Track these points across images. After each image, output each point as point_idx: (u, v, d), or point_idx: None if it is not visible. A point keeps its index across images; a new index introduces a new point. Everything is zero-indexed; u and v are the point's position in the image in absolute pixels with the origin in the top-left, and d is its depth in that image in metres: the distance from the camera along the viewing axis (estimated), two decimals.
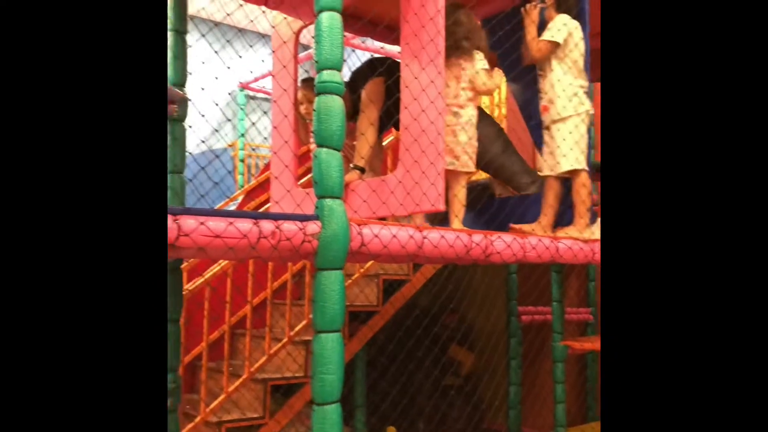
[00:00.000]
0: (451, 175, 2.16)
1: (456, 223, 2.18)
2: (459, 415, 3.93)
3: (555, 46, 2.31)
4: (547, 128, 2.38)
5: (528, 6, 2.40)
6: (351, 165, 2.36)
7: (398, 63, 2.32)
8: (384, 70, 2.41)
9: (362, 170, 2.30)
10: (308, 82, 2.50)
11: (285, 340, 3.20)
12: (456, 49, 2.19)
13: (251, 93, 6.97)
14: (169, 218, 1.32)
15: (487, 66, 2.23)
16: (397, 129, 2.35)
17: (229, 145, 6.75)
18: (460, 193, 2.19)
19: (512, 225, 2.37)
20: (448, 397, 3.89)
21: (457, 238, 1.84)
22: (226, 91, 6.81)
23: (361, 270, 3.46)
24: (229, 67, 1.76)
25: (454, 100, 2.16)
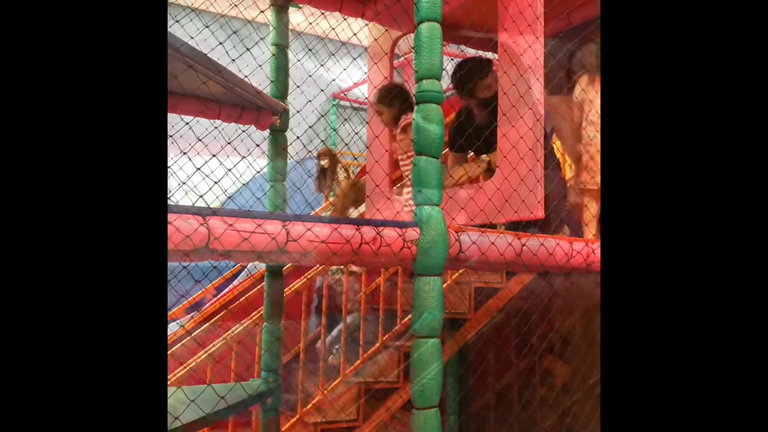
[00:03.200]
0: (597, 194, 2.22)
1: None
2: (554, 427, 3.83)
3: None
4: None
5: None
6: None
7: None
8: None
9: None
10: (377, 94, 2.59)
11: (377, 344, 3.25)
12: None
13: (343, 102, 7.17)
14: (279, 224, 1.39)
15: None
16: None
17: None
18: None
19: None
20: (543, 408, 3.80)
21: (558, 246, 1.81)
22: (318, 102, 7.03)
23: (453, 277, 3.45)
24: (334, 80, 1.81)
25: None
